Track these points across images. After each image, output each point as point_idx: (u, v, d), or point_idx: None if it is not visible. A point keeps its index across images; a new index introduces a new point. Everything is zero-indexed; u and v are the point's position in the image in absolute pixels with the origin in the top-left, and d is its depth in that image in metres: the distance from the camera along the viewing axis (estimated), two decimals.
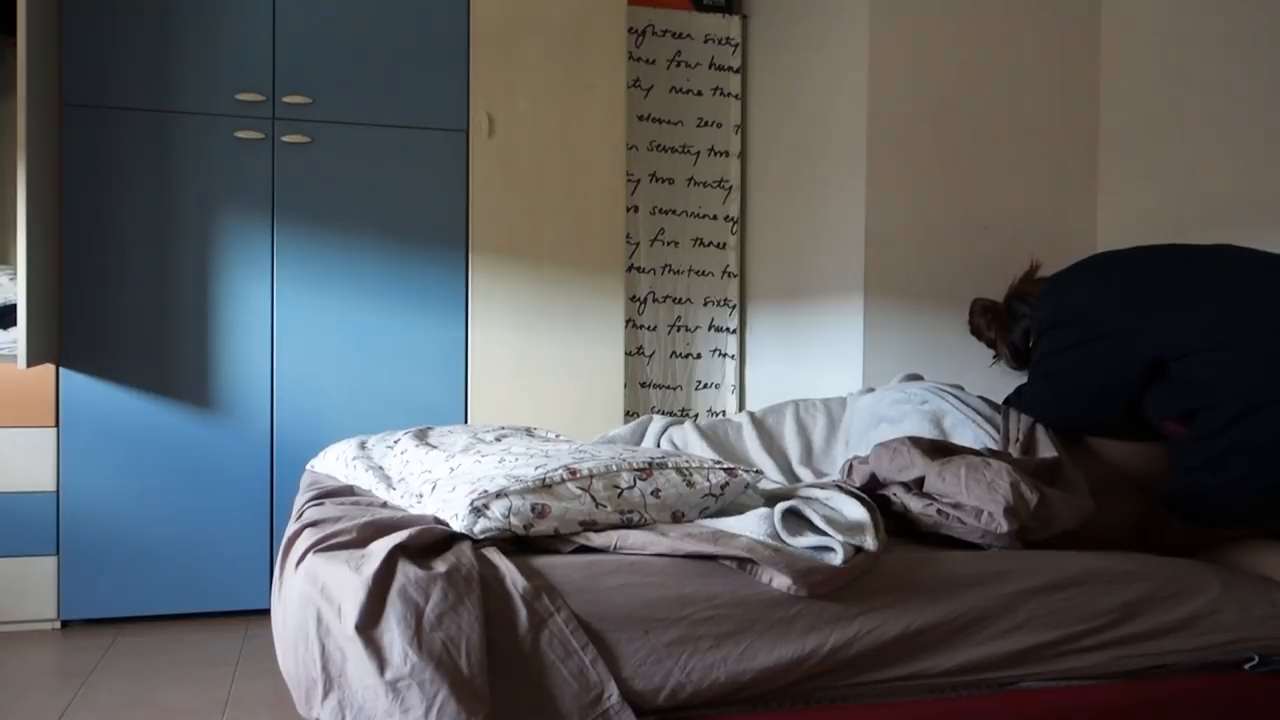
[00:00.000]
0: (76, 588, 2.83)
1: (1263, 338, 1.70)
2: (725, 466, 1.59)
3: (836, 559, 1.44)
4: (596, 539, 1.46)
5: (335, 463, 2.04)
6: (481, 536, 1.42)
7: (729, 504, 1.59)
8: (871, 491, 1.73)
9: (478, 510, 1.42)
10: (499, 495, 1.43)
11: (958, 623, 1.46)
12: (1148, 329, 1.82)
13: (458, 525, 1.43)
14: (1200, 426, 1.75)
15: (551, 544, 1.47)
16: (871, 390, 2.31)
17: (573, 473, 1.49)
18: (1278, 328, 1.70)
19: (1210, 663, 1.55)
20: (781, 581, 1.39)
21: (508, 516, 1.42)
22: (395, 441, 2.00)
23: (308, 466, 2.20)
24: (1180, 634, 1.54)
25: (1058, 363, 1.97)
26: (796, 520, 1.51)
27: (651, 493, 1.52)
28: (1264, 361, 1.69)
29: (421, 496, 1.61)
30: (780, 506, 1.51)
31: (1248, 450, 1.70)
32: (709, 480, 1.56)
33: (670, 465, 1.55)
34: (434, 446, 1.87)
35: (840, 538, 1.46)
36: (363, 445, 2.07)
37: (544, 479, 1.47)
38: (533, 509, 1.43)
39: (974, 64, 2.93)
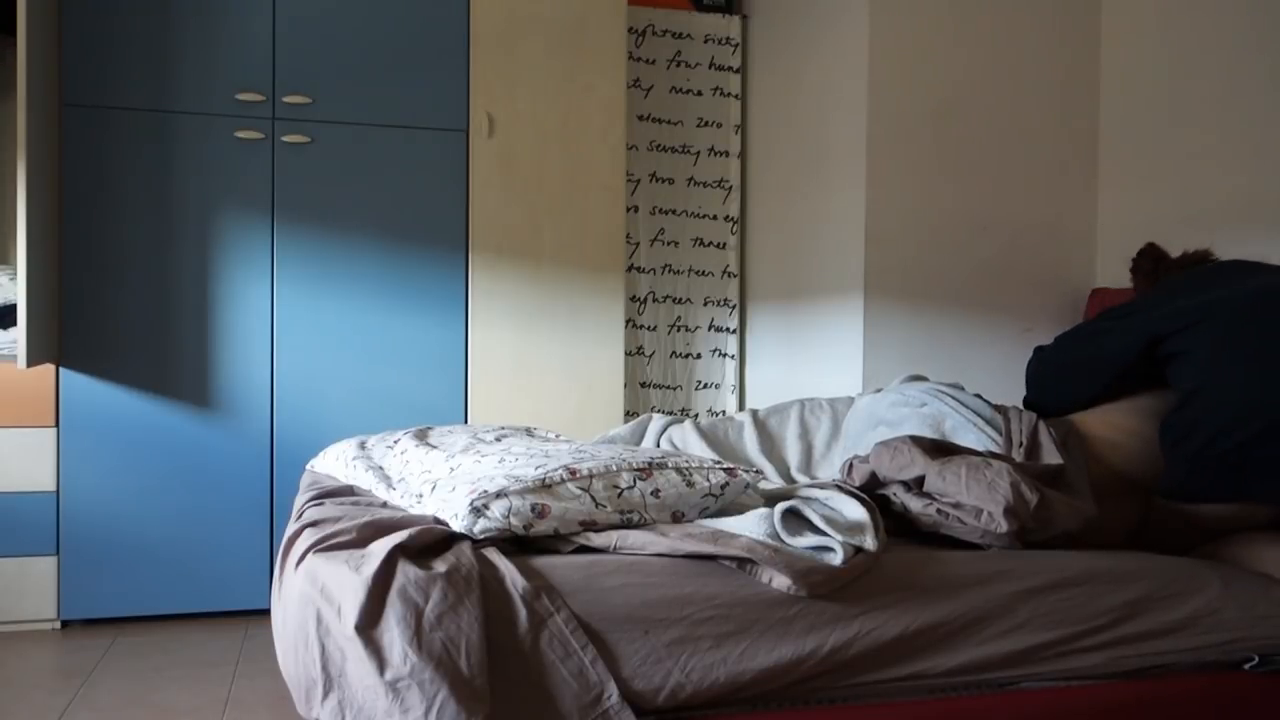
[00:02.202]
0: (76, 588, 2.83)
1: (1230, 310, 1.80)
2: (725, 466, 1.59)
3: (836, 559, 1.43)
4: (596, 539, 1.46)
5: (335, 463, 2.04)
6: (481, 536, 1.42)
7: (729, 504, 1.59)
8: (871, 491, 1.73)
9: (477, 510, 1.42)
10: (499, 495, 1.43)
11: (957, 623, 1.46)
12: (1155, 312, 1.91)
13: (457, 525, 1.43)
14: (1175, 399, 1.84)
15: (551, 544, 1.47)
16: (879, 391, 2.31)
17: (573, 473, 1.49)
18: (1248, 304, 1.79)
19: (1210, 662, 1.55)
20: (781, 581, 1.39)
21: (507, 516, 1.42)
22: (395, 441, 2.00)
23: (307, 466, 2.20)
24: (1180, 634, 1.54)
25: (1084, 329, 2.07)
26: (796, 520, 1.51)
27: (651, 493, 1.52)
28: (1225, 332, 1.78)
29: (421, 496, 1.61)
30: (780, 506, 1.51)
31: (1210, 417, 1.76)
32: (709, 480, 1.56)
33: (670, 465, 1.55)
34: (434, 446, 1.87)
35: (840, 538, 1.46)
36: (363, 445, 2.07)
37: (544, 479, 1.47)
38: (533, 509, 1.43)
39: (974, 64, 2.93)
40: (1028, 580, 1.52)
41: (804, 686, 1.39)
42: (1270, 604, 1.60)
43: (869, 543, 1.48)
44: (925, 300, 2.90)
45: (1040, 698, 1.47)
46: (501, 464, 1.57)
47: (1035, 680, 1.48)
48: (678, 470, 1.55)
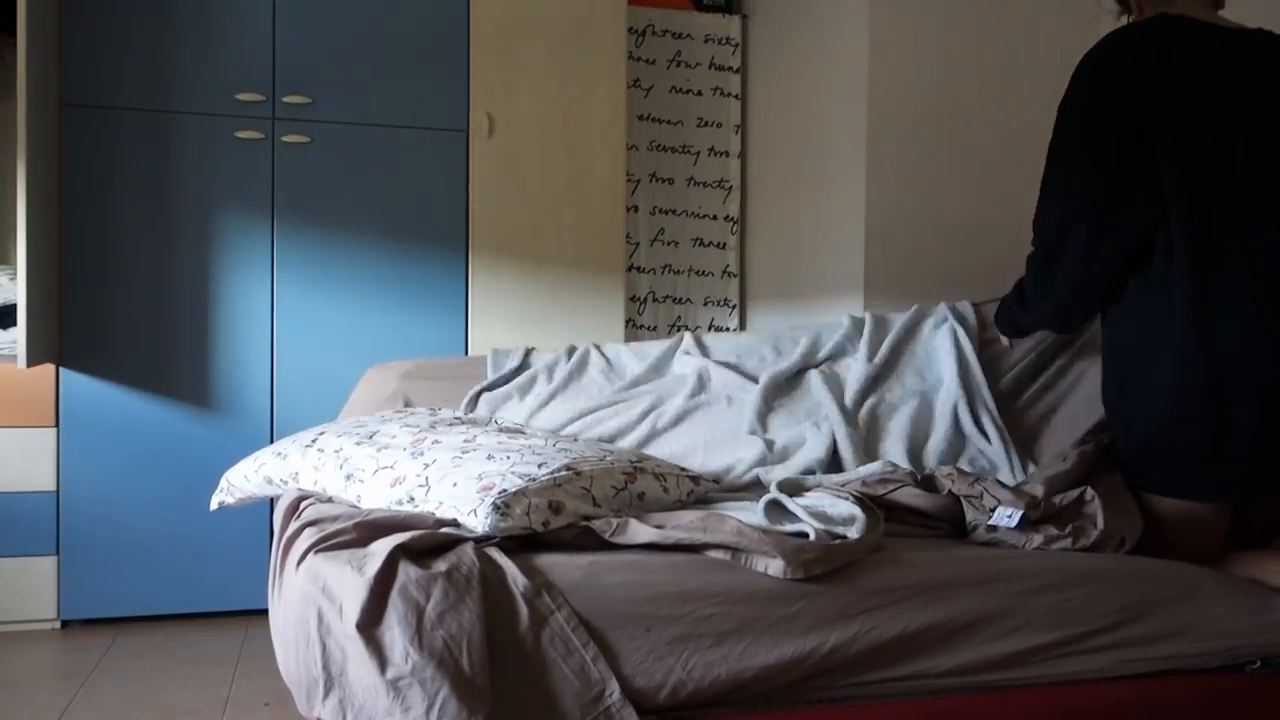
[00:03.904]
0: (76, 588, 2.83)
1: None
2: (690, 475, 1.72)
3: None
4: (596, 523, 1.48)
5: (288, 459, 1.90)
6: (500, 535, 1.42)
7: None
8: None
9: (501, 509, 1.41)
10: (519, 494, 1.43)
11: (958, 623, 1.46)
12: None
13: (476, 522, 1.41)
14: None
15: (554, 534, 1.47)
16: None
17: (577, 473, 1.52)
18: None
19: (1212, 666, 1.55)
20: (776, 566, 1.39)
21: (528, 514, 1.42)
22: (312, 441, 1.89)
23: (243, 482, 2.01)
24: (1182, 638, 1.53)
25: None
26: (778, 511, 1.56)
27: (638, 495, 1.59)
28: None
29: (414, 500, 1.59)
30: (765, 499, 1.56)
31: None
32: (679, 487, 1.69)
33: (650, 470, 1.65)
34: (382, 445, 1.78)
35: (817, 525, 1.48)
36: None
37: (554, 479, 1.48)
38: (549, 505, 1.44)
39: (974, 63, 2.93)
40: (1029, 580, 1.51)
41: (805, 685, 1.39)
42: (1273, 612, 1.59)
43: (851, 533, 1.49)
44: (925, 300, 2.89)
45: (1040, 697, 1.47)
46: (492, 460, 1.56)
47: (1036, 682, 1.48)
48: (655, 476, 1.65)
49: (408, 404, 2.30)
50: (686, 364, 2.29)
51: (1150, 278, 1.71)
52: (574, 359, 2.34)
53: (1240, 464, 1.65)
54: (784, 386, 2.18)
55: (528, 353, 2.41)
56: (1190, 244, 1.66)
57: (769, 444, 2.00)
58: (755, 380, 2.18)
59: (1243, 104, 1.70)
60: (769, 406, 2.12)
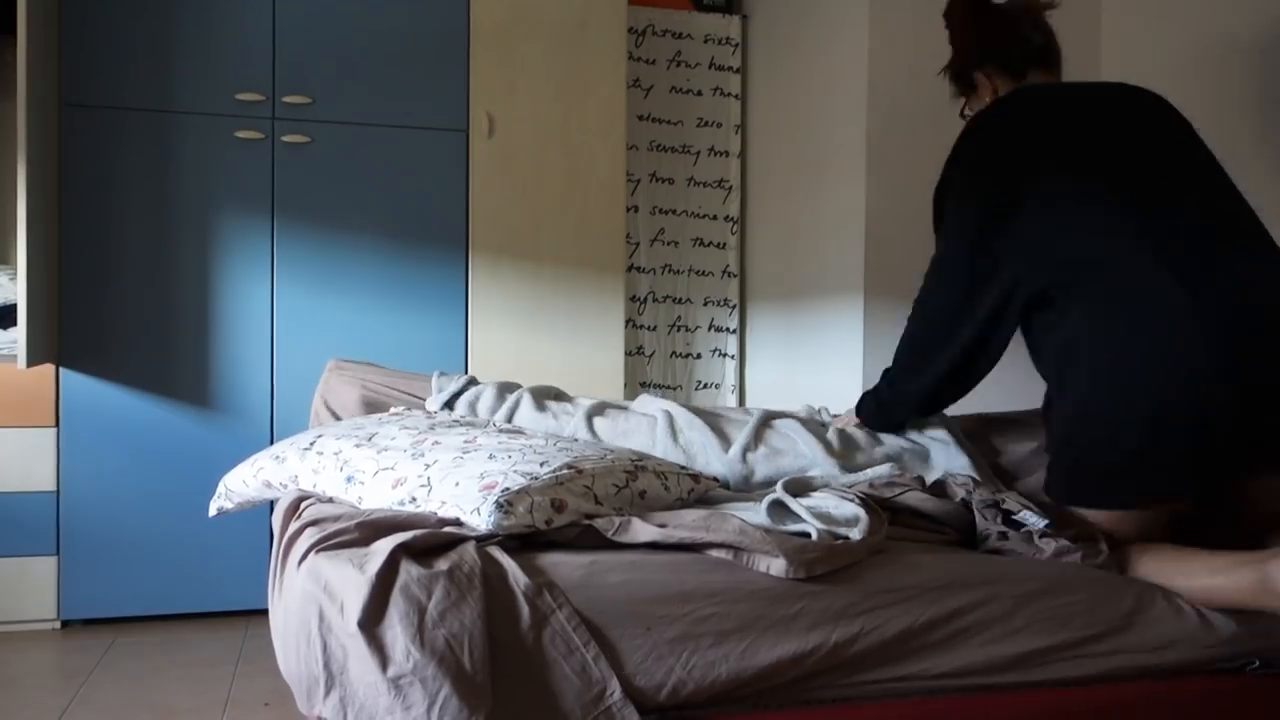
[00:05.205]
0: (76, 588, 2.83)
1: None
2: (690, 474, 1.71)
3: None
4: (598, 521, 1.48)
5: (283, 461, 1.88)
6: (503, 533, 1.42)
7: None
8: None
9: (503, 508, 1.41)
10: (521, 492, 1.43)
11: (958, 624, 1.45)
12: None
13: (479, 520, 1.41)
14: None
15: (556, 533, 1.47)
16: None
17: (579, 471, 1.52)
18: None
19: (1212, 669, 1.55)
20: (778, 565, 1.39)
21: (531, 512, 1.42)
22: (310, 444, 1.87)
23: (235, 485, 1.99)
24: (1182, 644, 1.52)
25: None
26: (781, 511, 1.55)
27: (639, 494, 1.58)
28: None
29: (416, 500, 1.59)
30: (767, 498, 1.55)
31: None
32: (680, 485, 1.68)
33: (650, 469, 1.65)
34: (382, 447, 1.77)
35: (819, 525, 1.48)
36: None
37: (557, 478, 1.49)
38: (552, 504, 1.45)
39: None
40: (1029, 583, 1.51)
41: (805, 685, 1.39)
42: (1271, 617, 1.59)
43: (854, 534, 1.50)
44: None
45: (1040, 697, 1.47)
46: (493, 460, 1.57)
47: (1036, 684, 1.48)
48: (656, 474, 1.64)
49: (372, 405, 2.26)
50: (650, 406, 2.15)
51: (1047, 318, 1.78)
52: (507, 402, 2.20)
53: (1165, 464, 1.63)
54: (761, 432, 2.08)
55: (470, 381, 2.31)
56: (1091, 262, 1.72)
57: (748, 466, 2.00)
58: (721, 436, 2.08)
59: (1112, 143, 1.87)
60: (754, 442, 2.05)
